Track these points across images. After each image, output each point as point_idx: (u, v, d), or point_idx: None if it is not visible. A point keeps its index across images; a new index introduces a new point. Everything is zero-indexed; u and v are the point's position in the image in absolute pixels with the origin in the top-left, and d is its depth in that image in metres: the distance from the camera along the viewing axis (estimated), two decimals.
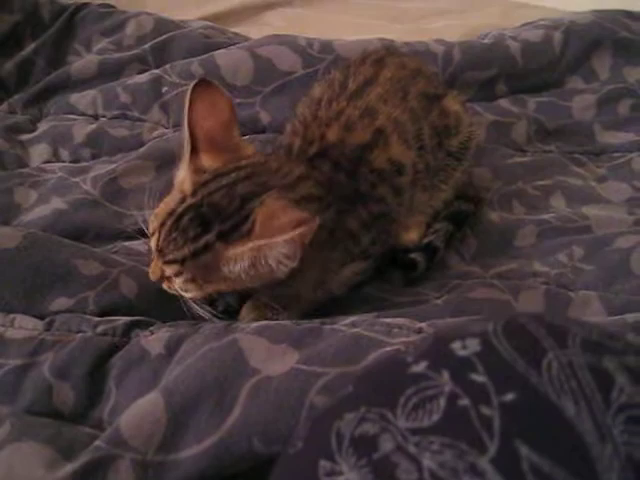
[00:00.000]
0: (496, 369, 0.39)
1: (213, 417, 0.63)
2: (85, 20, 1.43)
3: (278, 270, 0.72)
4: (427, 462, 0.35)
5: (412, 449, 0.36)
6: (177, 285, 0.77)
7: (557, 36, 1.36)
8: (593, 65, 1.36)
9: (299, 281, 0.79)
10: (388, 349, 0.67)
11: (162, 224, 0.75)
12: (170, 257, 0.75)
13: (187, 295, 0.78)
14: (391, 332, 0.72)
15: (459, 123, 1.02)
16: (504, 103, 1.31)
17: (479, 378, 0.38)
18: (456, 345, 0.41)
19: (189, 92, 0.77)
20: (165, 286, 0.80)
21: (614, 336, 0.43)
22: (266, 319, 0.80)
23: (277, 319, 0.80)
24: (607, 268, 0.94)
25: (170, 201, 0.77)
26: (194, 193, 0.75)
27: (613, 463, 0.34)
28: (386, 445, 0.37)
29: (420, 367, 0.41)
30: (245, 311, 0.85)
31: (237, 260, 0.72)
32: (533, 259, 0.97)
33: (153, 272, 0.79)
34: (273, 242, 0.69)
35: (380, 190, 0.89)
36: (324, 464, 0.39)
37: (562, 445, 0.35)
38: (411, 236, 0.97)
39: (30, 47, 1.37)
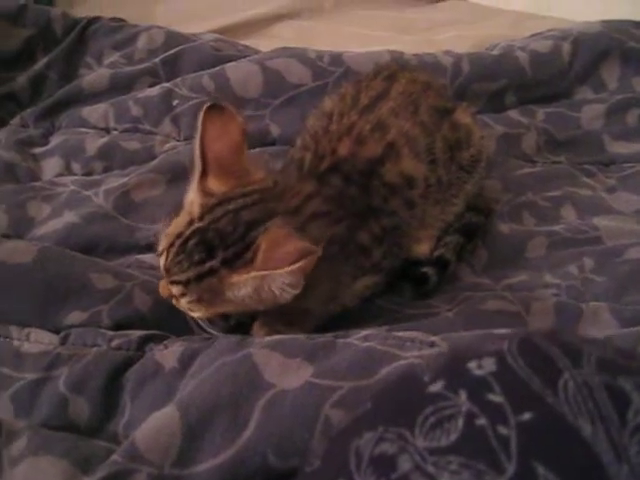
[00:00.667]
0: (512, 389, 0.39)
1: (228, 431, 0.64)
2: (97, 34, 1.44)
3: (281, 297, 0.73)
4: None
5: (430, 469, 0.36)
6: (183, 305, 0.78)
7: (566, 47, 1.36)
8: (602, 75, 1.36)
9: (310, 296, 0.79)
10: (402, 363, 0.67)
11: (171, 245, 0.76)
12: (175, 278, 0.76)
13: (193, 315, 0.80)
14: (404, 346, 0.72)
15: (470, 136, 1.02)
16: (513, 114, 1.31)
17: (496, 398, 0.39)
18: (472, 364, 0.42)
19: (202, 114, 0.78)
20: (174, 303, 0.80)
21: (629, 354, 0.43)
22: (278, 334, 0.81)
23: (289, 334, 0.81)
24: (618, 279, 0.93)
25: (179, 222, 0.78)
26: (201, 217, 0.76)
27: None
28: (405, 465, 0.37)
29: (437, 387, 0.42)
30: (257, 327, 0.85)
31: (240, 287, 0.73)
32: (544, 271, 0.97)
33: (162, 289, 0.80)
34: (275, 273, 0.70)
35: (392, 203, 0.89)
36: None
37: (579, 465, 0.35)
38: (422, 249, 0.97)
39: (42, 61, 1.39)
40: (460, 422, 0.38)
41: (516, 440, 0.36)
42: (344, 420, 0.50)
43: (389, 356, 0.69)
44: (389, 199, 0.89)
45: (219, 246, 0.74)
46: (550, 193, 1.13)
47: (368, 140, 0.90)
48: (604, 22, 1.42)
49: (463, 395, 0.40)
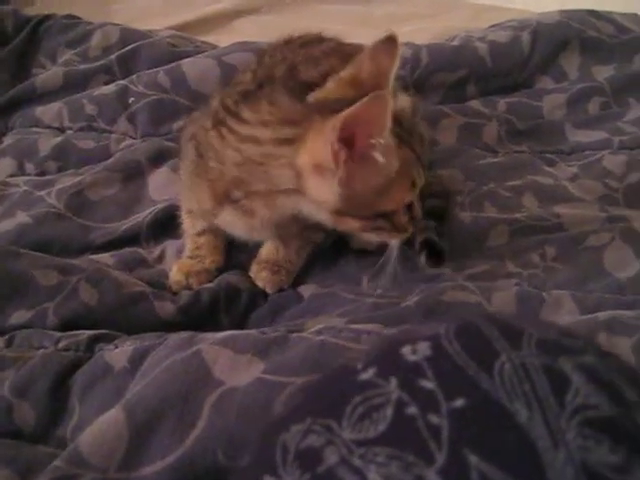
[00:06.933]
0: (446, 374, 0.37)
1: (176, 431, 0.62)
2: (50, 32, 1.41)
3: None
4: (372, 475, 0.33)
5: (357, 462, 0.34)
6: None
7: (525, 37, 1.36)
8: (562, 65, 1.36)
9: None
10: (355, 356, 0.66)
11: None
12: None
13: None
14: (359, 338, 0.70)
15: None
16: (474, 104, 1.30)
17: (428, 384, 0.37)
18: (406, 350, 0.40)
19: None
20: None
21: (573, 335, 0.41)
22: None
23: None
24: (580, 267, 0.92)
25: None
26: None
27: (566, 470, 0.32)
28: (331, 458, 0.35)
29: (368, 374, 0.40)
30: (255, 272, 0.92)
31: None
32: (506, 259, 0.96)
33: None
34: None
35: None
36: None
37: (512, 452, 0.33)
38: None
39: None
40: (389, 411, 0.36)
41: (448, 428, 0.34)
42: (277, 413, 0.48)
43: (343, 350, 0.68)
44: None
45: None
46: (511, 182, 1.12)
47: (301, 68, 0.90)
48: (563, 12, 1.42)
49: (394, 382, 0.38)
